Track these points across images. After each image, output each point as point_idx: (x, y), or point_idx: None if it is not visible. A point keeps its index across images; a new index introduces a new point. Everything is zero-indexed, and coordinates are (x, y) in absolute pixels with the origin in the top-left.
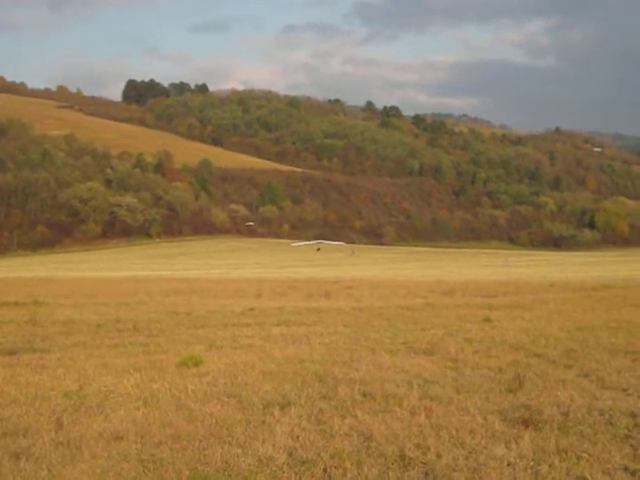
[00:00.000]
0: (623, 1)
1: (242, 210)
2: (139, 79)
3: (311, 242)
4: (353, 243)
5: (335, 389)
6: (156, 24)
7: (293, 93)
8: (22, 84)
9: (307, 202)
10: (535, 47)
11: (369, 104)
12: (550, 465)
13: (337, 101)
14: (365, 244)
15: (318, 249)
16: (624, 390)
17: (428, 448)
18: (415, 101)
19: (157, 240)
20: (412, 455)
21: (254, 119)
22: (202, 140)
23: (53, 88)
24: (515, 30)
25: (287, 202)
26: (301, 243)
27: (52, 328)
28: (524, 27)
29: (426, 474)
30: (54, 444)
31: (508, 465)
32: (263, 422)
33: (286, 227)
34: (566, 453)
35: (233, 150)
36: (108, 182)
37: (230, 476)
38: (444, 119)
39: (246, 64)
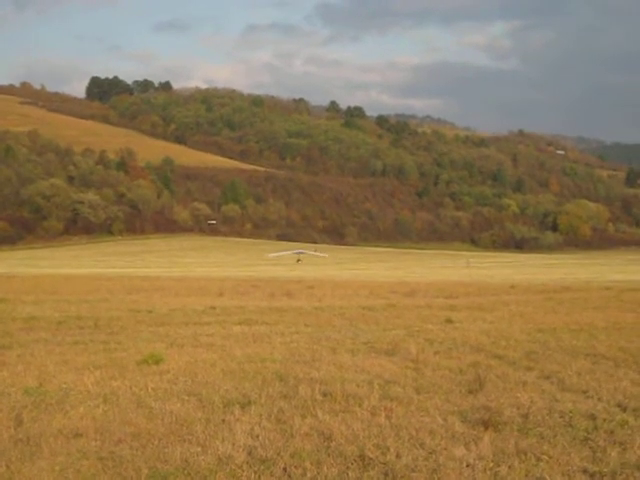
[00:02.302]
0: (585, 4)
1: (204, 208)
2: (103, 76)
3: (290, 252)
4: (315, 243)
5: (296, 388)
6: (119, 22)
7: (257, 92)
8: None
9: (270, 201)
10: (498, 50)
11: (333, 104)
12: (509, 466)
13: (301, 100)
14: (327, 244)
15: (298, 260)
16: (584, 392)
17: (388, 448)
18: (378, 102)
19: (119, 237)
20: (372, 455)
21: (217, 118)
22: (165, 138)
23: (17, 84)
24: (478, 32)
25: (250, 201)
26: (278, 253)
27: (13, 325)
28: (487, 30)
29: (385, 474)
30: (13, 441)
31: (467, 466)
32: (223, 421)
33: (249, 226)
34: (525, 455)
35: (196, 148)
36: (71, 179)
37: (189, 475)
38: (407, 120)
39: (209, 63)
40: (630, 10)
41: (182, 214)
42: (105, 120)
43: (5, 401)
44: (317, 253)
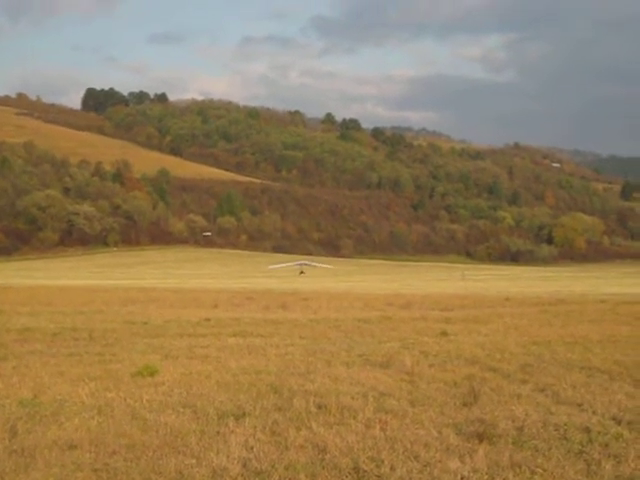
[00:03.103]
0: (581, 16)
1: (200, 220)
2: (98, 87)
3: (292, 263)
4: (311, 255)
5: (290, 401)
6: (115, 34)
7: (252, 104)
8: None
9: (265, 213)
10: (494, 62)
11: (328, 116)
12: (504, 479)
13: (297, 113)
14: (323, 256)
15: (302, 272)
16: (579, 405)
17: (382, 461)
18: (374, 114)
19: (114, 249)
20: (366, 468)
21: (213, 129)
22: (161, 150)
23: (12, 95)
24: (473, 45)
25: (245, 213)
26: (280, 265)
27: (8, 336)
28: (482, 42)
29: None
30: (8, 452)
31: (462, 479)
32: (218, 433)
33: (244, 238)
34: (520, 467)
35: (192, 160)
36: (66, 190)
37: None
38: (403, 132)
39: (205, 75)
40: (626, 22)
41: (177, 226)
42: (101, 131)
43: (0, 413)
44: (322, 265)
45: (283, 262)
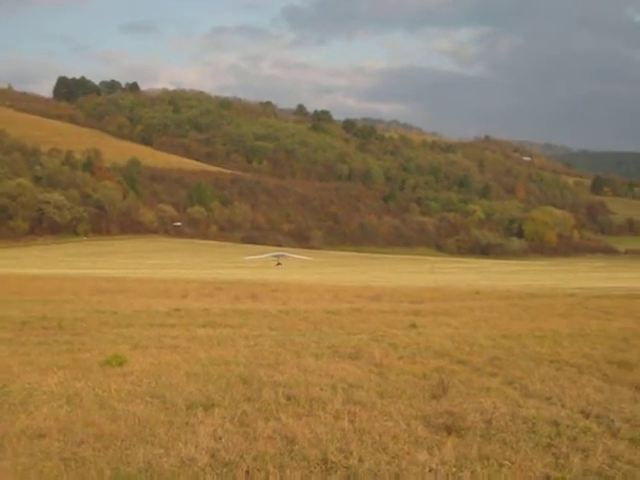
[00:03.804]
0: (550, 12)
1: (170, 210)
2: (70, 76)
3: (268, 255)
4: (280, 246)
5: (259, 392)
6: (87, 23)
7: (224, 95)
8: None
9: (236, 204)
10: (465, 56)
11: (300, 107)
12: (472, 472)
13: (268, 104)
14: (293, 247)
15: (278, 264)
16: (547, 399)
17: (351, 452)
18: (345, 106)
19: (84, 238)
20: (335, 459)
21: (185, 119)
22: (132, 139)
23: None
24: (444, 38)
25: (216, 203)
26: (256, 257)
27: None
28: (453, 36)
29: (348, 478)
30: None
31: (430, 471)
32: (186, 423)
33: (214, 228)
34: (488, 460)
35: (163, 150)
36: (37, 179)
37: (152, 476)
38: (375, 124)
39: (176, 65)
40: (597, 18)
41: (148, 215)
42: (72, 120)
43: None
44: (299, 256)
45: (256, 253)
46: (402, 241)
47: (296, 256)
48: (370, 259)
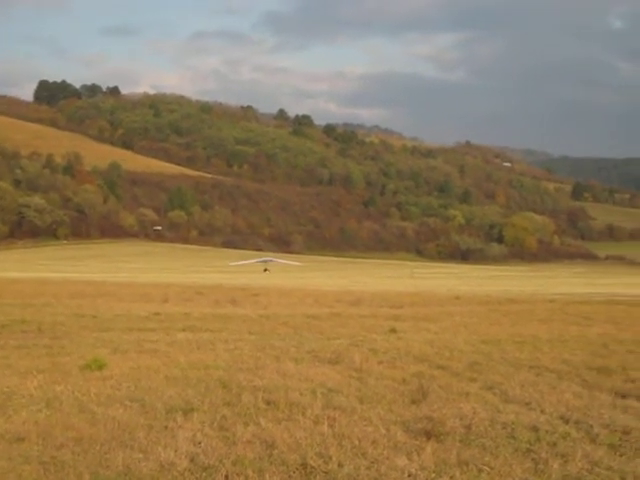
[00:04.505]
0: (531, 18)
1: (151, 214)
2: (51, 80)
3: (255, 260)
4: (261, 251)
5: (239, 396)
6: (68, 26)
7: (204, 99)
8: None
9: (216, 208)
10: (445, 61)
11: (281, 112)
12: (451, 477)
13: (249, 108)
14: (273, 252)
15: (266, 269)
16: (527, 404)
17: (330, 457)
18: (326, 110)
19: (65, 242)
20: (314, 464)
21: (165, 123)
22: (112, 143)
23: None
24: (425, 43)
25: (196, 207)
26: (242, 262)
27: None
28: (434, 41)
29: None
30: None
31: (409, 476)
32: (166, 427)
33: (194, 233)
34: (467, 465)
35: (143, 154)
36: (17, 182)
37: None
38: (355, 129)
39: (157, 69)
40: (578, 25)
41: (128, 219)
42: (53, 124)
43: None
44: (287, 261)
45: (237, 257)
46: (382, 246)
47: (283, 261)
48: (350, 264)
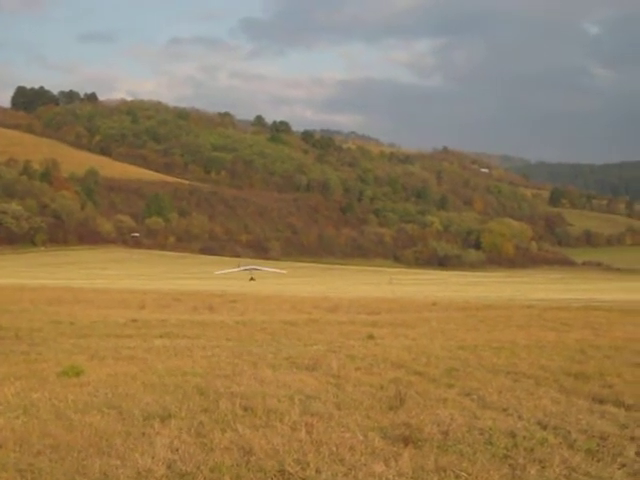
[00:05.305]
0: (508, 25)
1: (128, 221)
2: (29, 86)
3: (240, 268)
4: (239, 257)
5: (216, 403)
6: (45, 32)
7: (182, 105)
8: None
9: (194, 215)
10: (422, 67)
11: (259, 118)
12: None
13: (226, 114)
14: (251, 258)
15: (251, 278)
16: (504, 410)
17: (308, 464)
18: (303, 117)
19: (42, 248)
20: (292, 470)
21: (143, 130)
22: (90, 149)
23: None
24: (402, 50)
25: (174, 214)
26: (227, 270)
27: None
28: (411, 47)
29: None
30: None
31: None
32: (143, 434)
33: (172, 239)
34: (445, 472)
35: (121, 160)
36: None
37: None
38: (333, 136)
39: (134, 75)
40: (554, 31)
41: (106, 226)
42: (30, 130)
43: None
44: (273, 269)
45: (219, 264)
46: (360, 252)
47: (269, 269)
48: (328, 270)
